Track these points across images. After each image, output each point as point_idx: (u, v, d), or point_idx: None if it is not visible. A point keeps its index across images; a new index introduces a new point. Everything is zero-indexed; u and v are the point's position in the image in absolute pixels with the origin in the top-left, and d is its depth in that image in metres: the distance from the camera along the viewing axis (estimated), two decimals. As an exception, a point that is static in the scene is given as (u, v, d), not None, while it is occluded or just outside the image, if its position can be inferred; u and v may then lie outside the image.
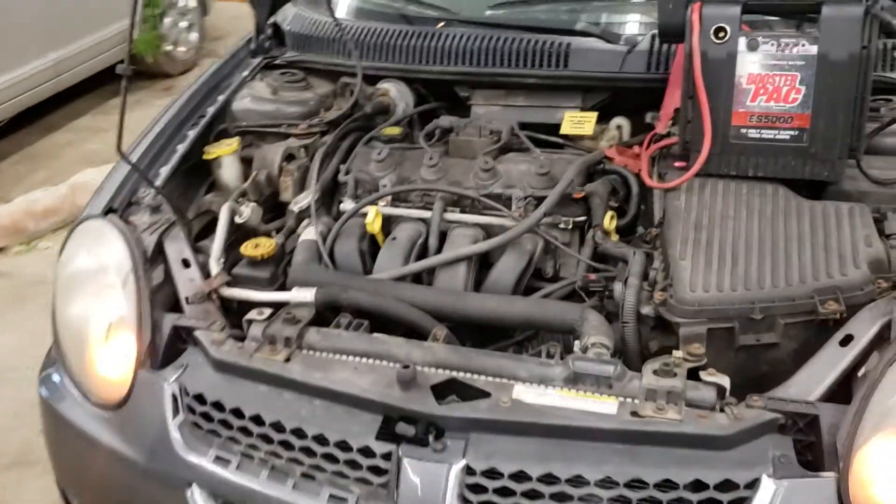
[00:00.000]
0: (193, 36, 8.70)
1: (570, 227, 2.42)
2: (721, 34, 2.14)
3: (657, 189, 2.32)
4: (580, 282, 2.24)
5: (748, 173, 2.22)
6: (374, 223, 2.40)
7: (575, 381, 1.90)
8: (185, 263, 2.34)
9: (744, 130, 2.19)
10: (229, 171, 2.77)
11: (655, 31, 2.70)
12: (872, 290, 1.96)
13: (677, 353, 1.92)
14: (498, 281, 2.28)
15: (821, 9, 2.07)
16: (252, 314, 2.15)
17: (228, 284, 2.29)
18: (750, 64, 2.14)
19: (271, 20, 3.28)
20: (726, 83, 2.17)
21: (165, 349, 2.20)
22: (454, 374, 1.96)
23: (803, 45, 2.10)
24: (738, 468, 1.74)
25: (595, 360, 1.92)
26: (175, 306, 2.29)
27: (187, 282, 2.31)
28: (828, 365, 1.89)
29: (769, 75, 2.14)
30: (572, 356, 1.94)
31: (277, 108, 2.91)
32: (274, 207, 2.72)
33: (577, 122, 2.68)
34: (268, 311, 2.15)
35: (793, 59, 2.11)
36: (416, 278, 2.32)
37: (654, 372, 1.88)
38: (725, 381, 1.87)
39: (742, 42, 2.14)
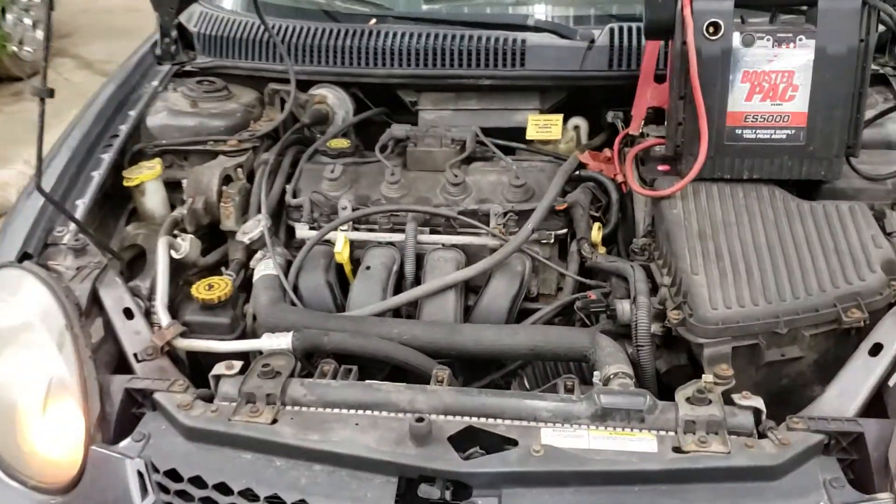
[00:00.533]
0: (41, 34, 7.96)
1: (553, 241, 2.25)
2: (714, 30, 2.01)
3: (644, 196, 2.18)
4: (580, 303, 2.07)
5: (743, 176, 2.11)
6: (343, 252, 2.14)
7: (604, 417, 1.73)
8: (128, 314, 2.02)
9: (738, 131, 2.07)
10: (154, 198, 2.44)
11: (614, 25, 2.56)
12: (889, 294, 1.89)
13: (707, 378, 1.78)
14: (490, 308, 2.08)
15: (817, 1, 1.97)
16: (219, 369, 1.86)
17: (183, 335, 1.99)
18: (745, 61, 2.02)
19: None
20: (721, 82, 2.04)
21: (118, 417, 1.88)
22: (469, 420, 1.75)
23: (801, 40, 2.00)
24: (792, 498, 1.62)
25: (623, 392, 1.76)
26: (121, 365, 1.97)
27: (133, 335, 1.99)
28: (860, 377, 1.80)
29: (765, 72, 2.03)
30: (597, 390, 1.76)
31: (200, 122, 2.59)
32: (209, 236, 2.42)
33: (543, 125, 2.51)
34: (238, 364, 1.87)
35: (790, 54, 2.01)
36: (396, 311, 2.09)
37: (689, 400, 1.74)
38: (760, 404, 1.75)
39: (736, 38, 2.01)
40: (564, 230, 2.29)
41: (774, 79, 2.03)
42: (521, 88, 2.61)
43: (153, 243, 2.30)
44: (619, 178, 2.38)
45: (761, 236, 1.99)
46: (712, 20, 2.00)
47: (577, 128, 2.66)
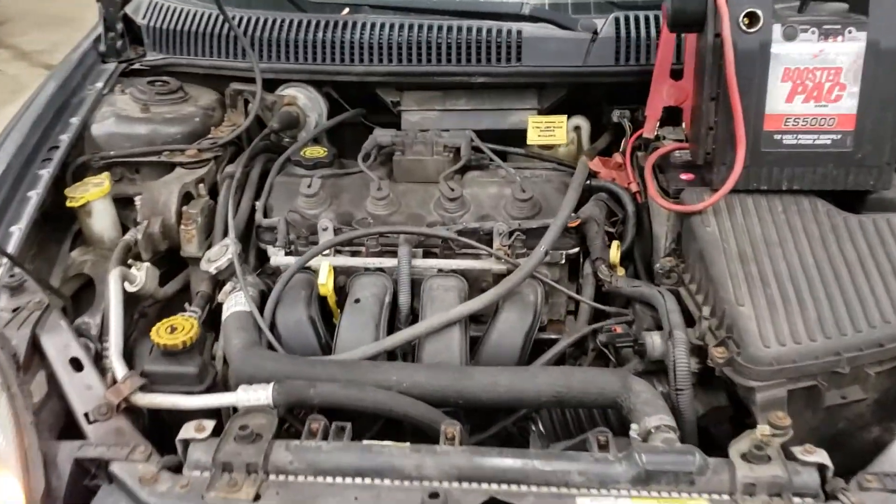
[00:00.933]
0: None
1: (564, 261, 1.99)
2: (751, 21, 1.75)
3: (668, 210, 1.92)
4: (603, 336, 1.81)
5: (781, 187, 1.86)
6: (328, 283, 1.85)
7: (647, 480, 1.48)
8: (76, 364, 1.72)
9: (777, 136, 1.82)
10: (102, 219, 2.12)
11: (618, 14, 2.29)
12: (956, 323, 1.66)
13: (763, 429, 1.53)
14: (500, 345, 1.81)
15: (870, -12, 1.73)
16: (188, 431, 1.55)
17: (143, 388, 1.68)
18: (786, 57, 1.77)
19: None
20: (758, 81, 1.78)
21: (67, 493, 1.57)
22: (490, 488, 1.48)
23: (850, 32, 1.75)
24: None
25: (668, 450, 1.50)
26: (69, 428, 1.66)
27: (83, 391, 1.69)
28: (935, 423, 1.57)
29: (809, 70, 1.78)
30: (637, 447, 1.50)
31: (152, 129, 2.26)
32: (167, 259, 2.11)
33: (546, 129, 2.23)
34: (210, 425, 1.57)
35: (837, 49, 1.75)
36: (391, 350, 1.80)
37: (745, 457, 1.49)
38: (826, 459, 1.51)
39: (777, 30, 1.76)
40: (577, 249, 2.02)
41: (819, 77, 1.78)
42: (516, 86, 2.34)
43: (102, 272, 2.01)
44: (634, 188, 2.12)
45: (809, 257, 1.74)
46: (749, 10, 1.75)
47: (577, 128, 2.39)
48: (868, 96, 1.78)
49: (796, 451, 1.51)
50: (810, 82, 1.78)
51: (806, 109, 1.80)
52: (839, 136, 1.81)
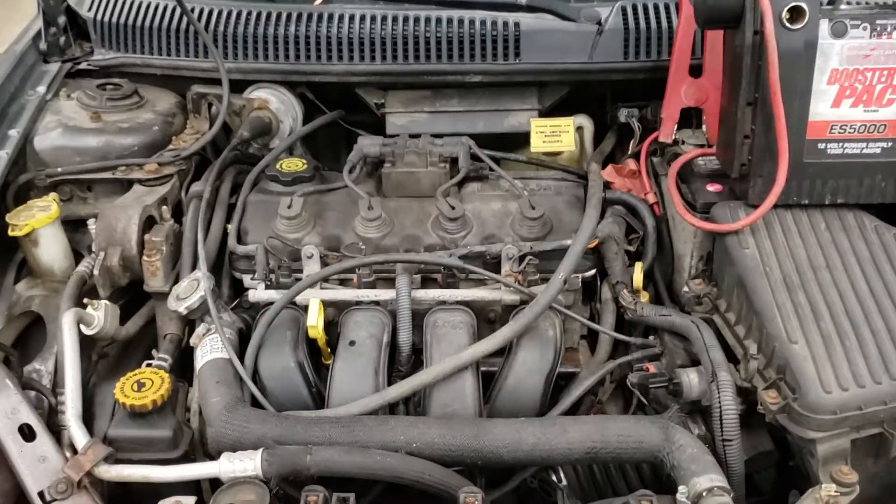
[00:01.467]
0: None
1: (580, 286, 1.78)
2: (795, 16, 1.54)
3: (697, 228, 1.71)
4: (634, 377, 1.60)
5: (824, 201, 1.67)
6: (318, 325, 1.61)
7: (704, 555, 1.28)
8: (27, 433, 1.46)
9: (821, 146, 1.63)
10: (50, 248, 1.86)
11: (625, 2, 2.07)
12: None
13: (828, 488, 1.35)
14: (519, 391, 1.60)
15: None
16: (165, 511, 1.32)
17: (108, 459, 1.43)
18: (834, 57, 1.57)
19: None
20: (802, 84, 1.58)
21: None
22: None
23: (907, 28, 1.55)
24: None
25: (725, 519, 1.30)
26: (21, 511, 1.42)
27: (36, 465, 1.45)
28: None
29: (859, 71, 1.58)
30: (689, 518, 1.31)
31: (105, 140, 1.99)
32: (124, 291, 1.85)
33: (551, 133, 2.01)
34: (189, 502, 1.34)
35: (891, 46, 1.56)
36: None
37: (812, 524, 1.30)
38: (900, 522, 1.33)
39: (824, 26, 1.55)
40: (593, 270, 1.81)
41: (870, 78, 1.59)
42: (514, 84, 2.10)
43: (53, 309, 1.78)
44: (651, 199, 1.91)
45: (862, 283, 1.56)
46: (793, 4, 1.54)
47: (580, 129, 2.17)
48: (924, 99, 1.59)
49: (866, 516, 1.33)
50: (860, 85, 1.59)
51: (854, 115, 1.61)
52: (889, 145, 1.63)
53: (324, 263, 1.74)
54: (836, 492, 1.34)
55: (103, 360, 1.81)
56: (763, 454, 1.57)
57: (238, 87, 2.12)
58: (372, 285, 1.73)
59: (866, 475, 1.47)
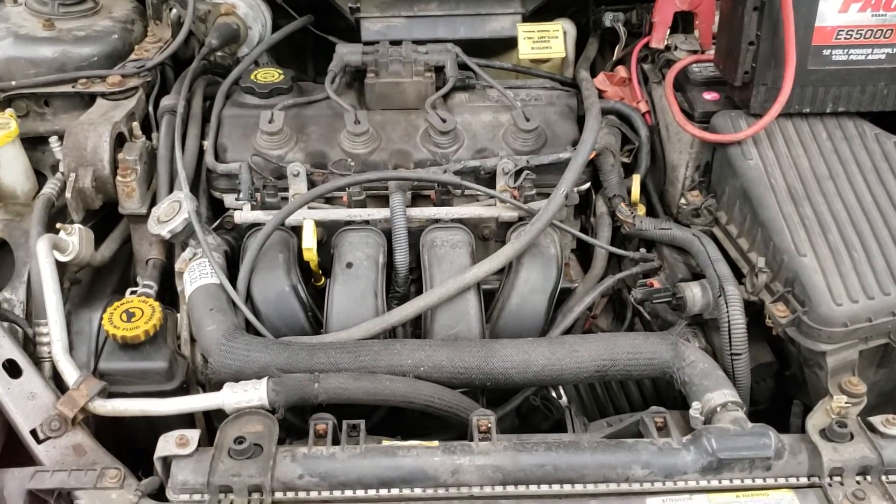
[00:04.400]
0: None
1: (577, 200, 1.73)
2: (805, -87, 1.48)
3: (696, 137, 1.67)
4: (638, 293, 1.58)
5: (826, 109, 1.64)
6: (313, 246, 1.54)
7: (719, 468, 1.29)
8: (11, 369, 1.38)
9: (827, 52, 1.59)
10: (12, 169, 1.75)
11: None
12: None
13: (839, 400, 1.35)
14: (523, 309, 1.56)
15: None
16: (168, 445, 1.27)
17: (102, 393, 1.36)
18: (844, -43, 1.52)
19: None
20: (809, -13, 1.53)
21: (19, 536, 1.28)
22: (541, 489, 1.26)
23: (920, -74, 1.50)
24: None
25: (741, 432, 1.31)
26: (12, 451, 1.34)
27: (26, 402, 1.37)
28: None
29: (869, -28, 1.53)
30: (705, 431, 1.30)
31: (61, 50, 1.85)
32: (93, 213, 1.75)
33: (539, 40, 1.92)
34: (194, 436, 1.28)
35: (904, -54, 1.51)
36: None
37: (825, 435, 1.32)
38: (909, 429, 1.35)
39: (836, -76, 1.49)
40: (588, 184, 1.76)
41: (880, -20, 1.54)
42: (494, -15, 2.01)
43: (19, 234, 1.67)
44: (643, 108, 1.85)
45: (866, 193, 1.55)
46: None
47: (563, 34, 2.08)
48: (931, 3, 1.55)
49: (876, 422, 1.35)
50: (869, -12, 1.54)
51: (861, 20, 1.57)
52: (895, 51, 1.59)
53: (311, 182, 1.65)
54: (846, 403, 1.36)
55: (76, 286, 1.71)
56: (763, 365, 1.58)
57: (201, -10, 1.97)
58: (362, 204, 1.65)
59: (867, 384, 1.49)
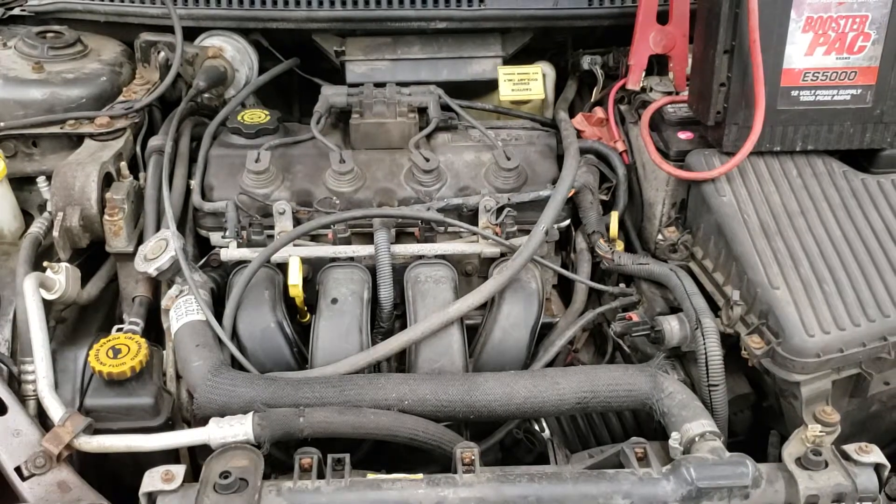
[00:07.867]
0: None
1: (557, 237, 1.77)
2: (772, -38, 1.55)
3: (673, 176, 1.72)
4: (618, 326, 1.61)
5: (795, 147, 1.70)
6: (299, 282, 1.57)
7: (698, 498, 1.31)
8: (-2, 406, 1.39)
9: (795, 93, 1.65)
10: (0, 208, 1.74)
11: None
12: None
13: (814, 429, 1.39)
14: (505, 344, 1.59)
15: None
16: (154, 481, 1.28)
17: (87, 430, 1.38)
18: (810, 4, 1.58)
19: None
20: (778, 32, 1.59)
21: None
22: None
23: (880, -26, 1.57)
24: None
25: (719, 461, 1.34)
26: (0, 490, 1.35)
27: (10, 439, 1.38)
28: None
29: (833, 18, 1.59)
30: (684, 461, 1.33)
31: (50, 92, 1.89)
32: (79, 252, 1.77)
33: (519, 82, 1.98)
34: (179, 471, 1.29)
35: (866, -7, 1.58)
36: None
37: (800, 463, 1.35)
38: (882, 457, 1.38)
39: (801, -27, 1.56)
40: (568, 220, 1.81)
41: (843, 26, 1.60)
42: (477, 31, 2.06)
43: (5, 273, 1.70)
44: (620, 147, 1.90)
45: (835, 228, 1.59)
46: (770, -52, 1.54)
47: (542, 76, 2.13)
48: (893, 47, 1.61)
49: (849, 450, 1.38)
50: (833, 32, 1.61)
51: (826, 62, 1.63)
52: (858, 91, 1.65)
53: (296, 219, 1.69)
54: (821, 432, 1.39)
55: (61, 324, 1.73)
56: (741, 396, 1.62)
57: (189, 34, 2.02)
58: (347, 241, 1.69)
59: (841, 413, 1.52)
